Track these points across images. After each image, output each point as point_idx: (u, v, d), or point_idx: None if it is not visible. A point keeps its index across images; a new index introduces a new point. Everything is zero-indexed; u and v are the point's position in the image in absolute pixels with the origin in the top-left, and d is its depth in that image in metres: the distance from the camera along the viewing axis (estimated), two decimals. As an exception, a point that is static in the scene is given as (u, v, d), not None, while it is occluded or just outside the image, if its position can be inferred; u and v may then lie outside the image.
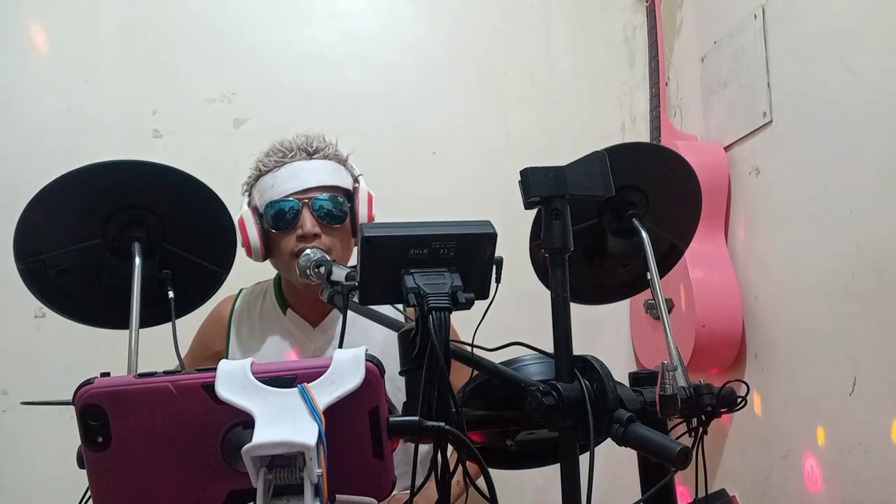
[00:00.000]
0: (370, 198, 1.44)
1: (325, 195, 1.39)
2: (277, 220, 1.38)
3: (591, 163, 0.81)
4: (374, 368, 0.62)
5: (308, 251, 1.25)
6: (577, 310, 0.82)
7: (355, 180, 1.46)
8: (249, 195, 1.45)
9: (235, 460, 0.60)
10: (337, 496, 0.61)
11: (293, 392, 0.59)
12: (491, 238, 0.78)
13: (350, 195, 1.44)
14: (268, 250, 1.42)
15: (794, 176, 1.65)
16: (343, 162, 1.47)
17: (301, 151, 1.42)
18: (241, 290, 1.57)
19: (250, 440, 0.56)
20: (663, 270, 1.05)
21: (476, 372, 0.81)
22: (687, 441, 0.77)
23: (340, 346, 0.71)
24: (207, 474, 0.61)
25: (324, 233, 1.38)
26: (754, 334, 1.80)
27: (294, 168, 1.40)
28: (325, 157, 1.43)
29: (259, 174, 1.43)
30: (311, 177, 1.39)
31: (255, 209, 1.41)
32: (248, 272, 1.45)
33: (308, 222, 1.37)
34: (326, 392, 0.60)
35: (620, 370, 0.85)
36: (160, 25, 2.15)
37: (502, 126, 2.26)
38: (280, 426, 0.56)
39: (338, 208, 1.40)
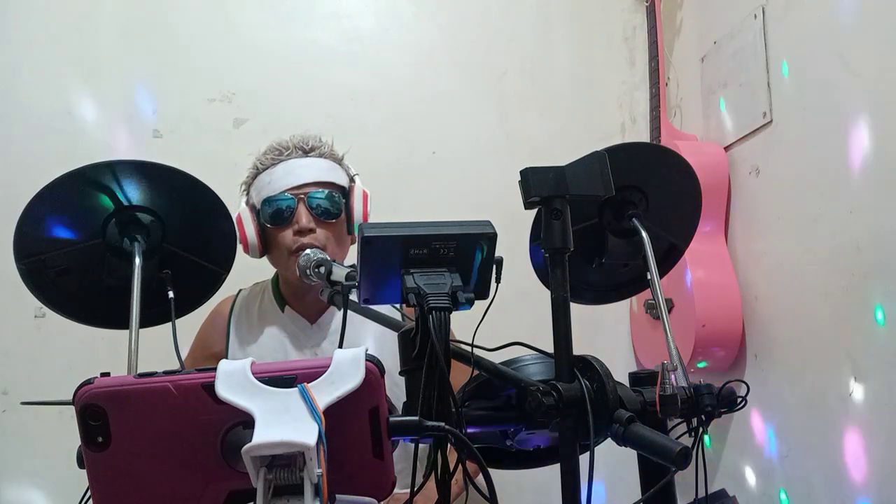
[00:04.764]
0: (365, 196, 1.47)
1: (320, 191, 1.42)
2: (274, 216, 1.41)
3: (591, 163, 0.80)
4: (374, 368, 0.62)
5: (308, 251, 1.25)
6: (577, 310, 0.82)
7: (351, 179, 1.49)
8: (247, 193, 1.48)
9: (235, 460, 0.60)
10: (337, 496, 0.61)
11: (293, 392, 0.59)
12: (491, 238, 0.78)
13: (345, 192, 1.47)
14: (265, 247, 1.45)
15: (794, 176, 1.65)
16: (338, 161, 1.50)
17: (297, 150, 1.45)
18: (240, 290, 1.59)
19: (250, 440, 0.56)
20: (663, 270, 1.05)
21: (476, 372, 0.81)
22: (687, 441, 0.77)
23: (340, 346, 0.71)
24: (207, 474, 0.61)
25: (319, 227, 1.41)
26: (754, 334, 1.80)
27: (290, 165, 1.43)
28: (321, 156, 1.47)
29: (256, 172, 1.46)
30: (307, 173, 1.43)
31: (252, 207, 1.44)
32: (247, 273, 1.46)
33: (304, 217, 1.40)
34: (326, 392, 0.60)
35: (620, 370, 0.85)
36: (160, 25, 2.15)
37: (502, 126, 2.26)
38: (280, 426, 0.56)
39: (333, 204, 1.43)
